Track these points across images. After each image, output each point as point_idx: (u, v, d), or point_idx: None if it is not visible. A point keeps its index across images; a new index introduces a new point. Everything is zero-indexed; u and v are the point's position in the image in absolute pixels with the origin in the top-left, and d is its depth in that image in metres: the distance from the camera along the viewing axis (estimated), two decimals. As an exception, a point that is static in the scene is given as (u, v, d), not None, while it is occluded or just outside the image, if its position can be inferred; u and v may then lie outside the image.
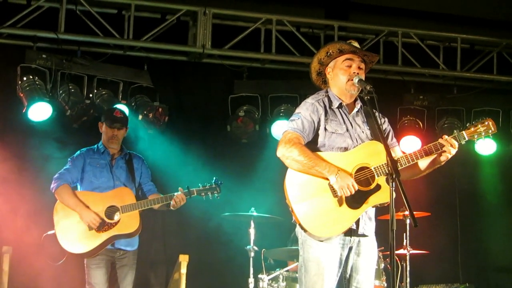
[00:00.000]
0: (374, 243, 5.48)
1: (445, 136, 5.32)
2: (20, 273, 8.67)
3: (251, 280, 8.17)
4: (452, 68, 10.46)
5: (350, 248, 5.34)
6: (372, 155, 5.24)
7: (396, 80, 10.56)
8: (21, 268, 8.65)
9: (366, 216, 5.37)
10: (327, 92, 5.56)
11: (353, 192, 5.11)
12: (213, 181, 7.66)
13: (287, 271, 8.21)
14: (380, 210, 5.51)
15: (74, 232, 7.25)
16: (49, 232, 7.31)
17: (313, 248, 5.27)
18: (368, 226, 5.40)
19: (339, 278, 5.34)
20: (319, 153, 5.29)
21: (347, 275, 5.38)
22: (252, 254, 8.27)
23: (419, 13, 10.59)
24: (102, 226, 7.26)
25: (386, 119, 5.66)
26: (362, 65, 5.48)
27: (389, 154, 4.94)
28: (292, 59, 10.03)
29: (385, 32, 10.22)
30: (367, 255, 5.39)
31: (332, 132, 5.36)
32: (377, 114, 5.28)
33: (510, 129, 10.55)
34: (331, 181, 5.14)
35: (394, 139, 5.66)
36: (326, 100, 5.48)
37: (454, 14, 10.68)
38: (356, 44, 5.49)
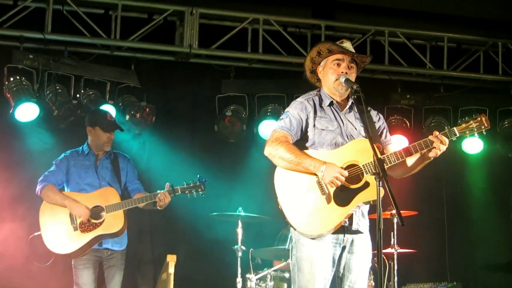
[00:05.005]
0: (369, 242, 5.45)
1: (436, 133, 5.29)
2: (7, 275, 8.65)
3: (239, 279, 8.18)
4: (439, 67, 10.48)
5: (344, 247, 5.35)
6: (361, 152, 5.23)
7: (383, 79, 10.57)
8: (8, 269, 8.63)
9: (360, 212, 5.38)
10: (319, 91, 5.61)
11: (343, 180, 5.10)
12: (197, 178, 7.63)
13: (274, 270, 8.22)
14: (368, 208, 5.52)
15: (59, 233, 7.27)
16: (35, 234, 7.32)
17: (306, 247, 5.28)
18: (362, 223, 5.40)
19: (333, 277, 5.34)
20: (307, 151, 5.32)
21: (340, 274, 5.39)
22: (240, 253, 8.28)
23: (406, 12, 10.60)
24: (87, 226, 7.27)
25: (381, 116, 5.74)
26: (352, 65, 5.50)
27: (375, 152, 4.97)
28: (279, 58, 10.03)
29: (372, 32, 10.23)
30: (361, 255, 5.39)
31: (322, 129, 5.39)
32: (372, 112, 5.50)
33: (497, 128, 10.54)
34: (319, 175, 5.14)
35: (389, 137, 5.69)
36: (316, 98, 5.53)
37: (441, 13, 10.69)
38: (346, 44, 5.52)
